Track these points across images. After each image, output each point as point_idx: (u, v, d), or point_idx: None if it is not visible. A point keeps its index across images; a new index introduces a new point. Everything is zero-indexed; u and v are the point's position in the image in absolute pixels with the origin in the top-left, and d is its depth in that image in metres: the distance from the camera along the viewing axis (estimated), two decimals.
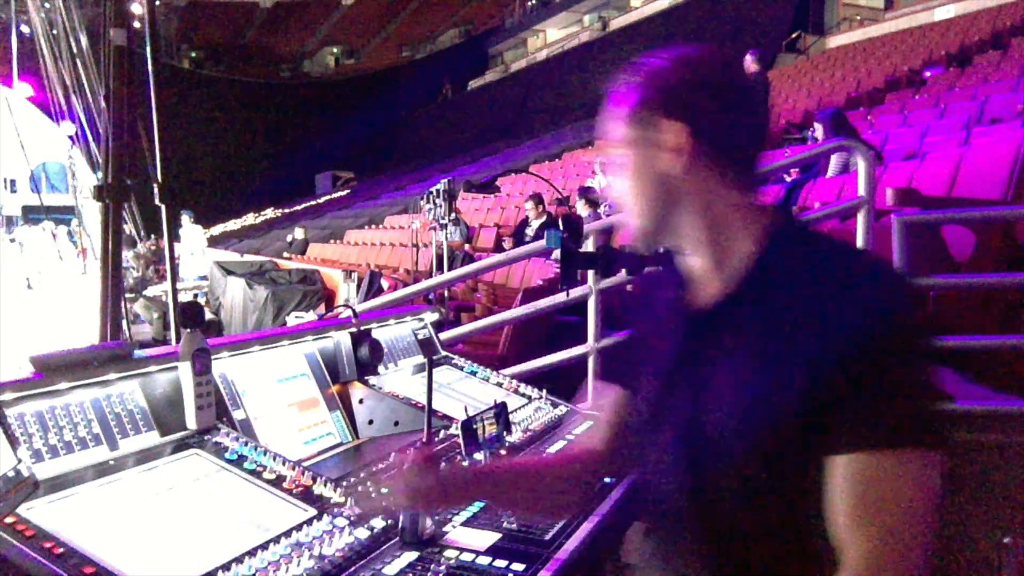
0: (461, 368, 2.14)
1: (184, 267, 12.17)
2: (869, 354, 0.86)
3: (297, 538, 1.14)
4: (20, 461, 0.98)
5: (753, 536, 0.94)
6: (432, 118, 37.16)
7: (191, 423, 1.36)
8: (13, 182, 23.79)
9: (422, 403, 1.44)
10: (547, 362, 2.97)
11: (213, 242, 19.10)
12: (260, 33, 41.32)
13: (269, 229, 24.01)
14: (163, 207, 3.13)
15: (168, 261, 3.52)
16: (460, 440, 1.45)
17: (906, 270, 2.65)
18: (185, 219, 13.38)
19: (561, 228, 1.58)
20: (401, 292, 3.28)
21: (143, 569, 1.01)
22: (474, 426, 1.45)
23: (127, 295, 4.23)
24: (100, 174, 3.29)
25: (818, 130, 5.93)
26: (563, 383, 2.42)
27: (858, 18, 20.36)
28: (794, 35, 19.86)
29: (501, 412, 1.54)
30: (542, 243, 1.92)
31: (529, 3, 35.13)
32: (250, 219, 29.19)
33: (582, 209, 7.32)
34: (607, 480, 1.49)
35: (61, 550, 0.98)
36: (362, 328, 1.87)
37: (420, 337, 2.15)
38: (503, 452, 1.61)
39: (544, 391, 2.06)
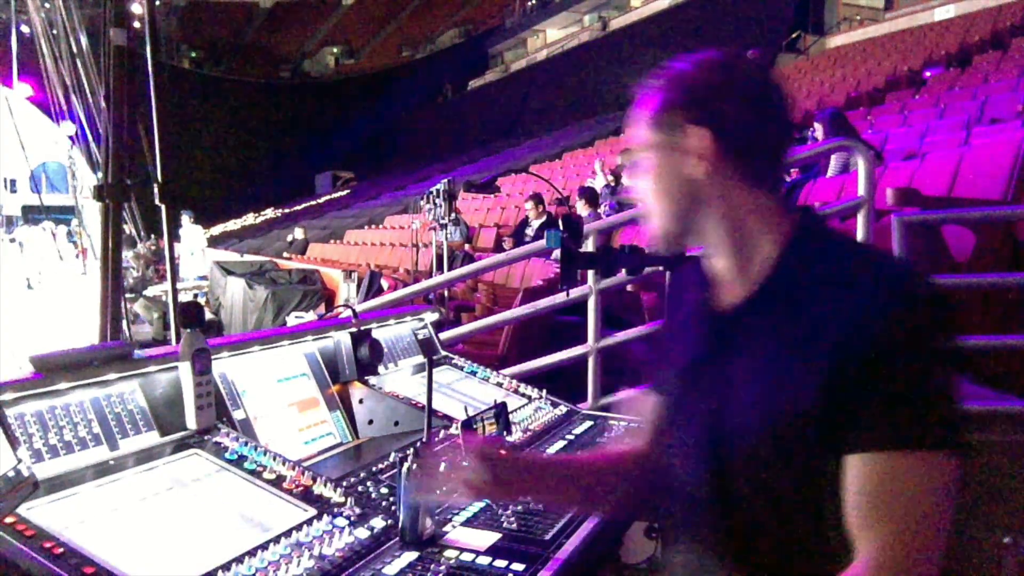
0: (461, 368, 2.14)
1: (184, 267, 12.16)
2: (887, 355, 0.86)
3: (297, 538, 1.14)
4: (20, 461, 0.98)
5: (773, 531, 0.96)
6: (432, 118, 37.15)
7: (191, 423, 1.36)
8: (13, 182, 23.78)
9: (422, 403, 1.44)
10: (547, 362, 2.97)
11: (213, 242, 19.10)
12: (260, 33, 41.31)
13: (269, 229, 24.00)
14: (163, 207, 3.13)
15: (168, 261, 3.52)
16: (460, 440, 1.45)
17: None
18: (185, 219, 13.38)
19: (561, 228, 1.58)
20: (401, 292, 3.28)
21: (143, 569, 1.01)
22: (474, 426, 1.45)
23: (127, 295, 4.24)
24: (100, 174, 3.28)
25: (818, 130, 5.92)
26: (563, 383, 2.42)
27: (858, 18, 20.36)
28: (794, 35, 19.85)
29: (501, 412, 1.54)
30: (542, 243, 1.92)
31: (529, 3, 35.11)
32: (250, 219, 29.18)
33: (582, 209, 7.32)
34: None
35: (61, 550, 0.98)
36: (362, 328, 1.86)
37: (420, 337, 2.15)
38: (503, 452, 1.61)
39: (544, 391, 2.05)
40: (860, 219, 2.96)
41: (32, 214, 21.63)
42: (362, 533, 1.21)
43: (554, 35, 34.31)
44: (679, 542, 1.08)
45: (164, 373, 1.38)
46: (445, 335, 2.80)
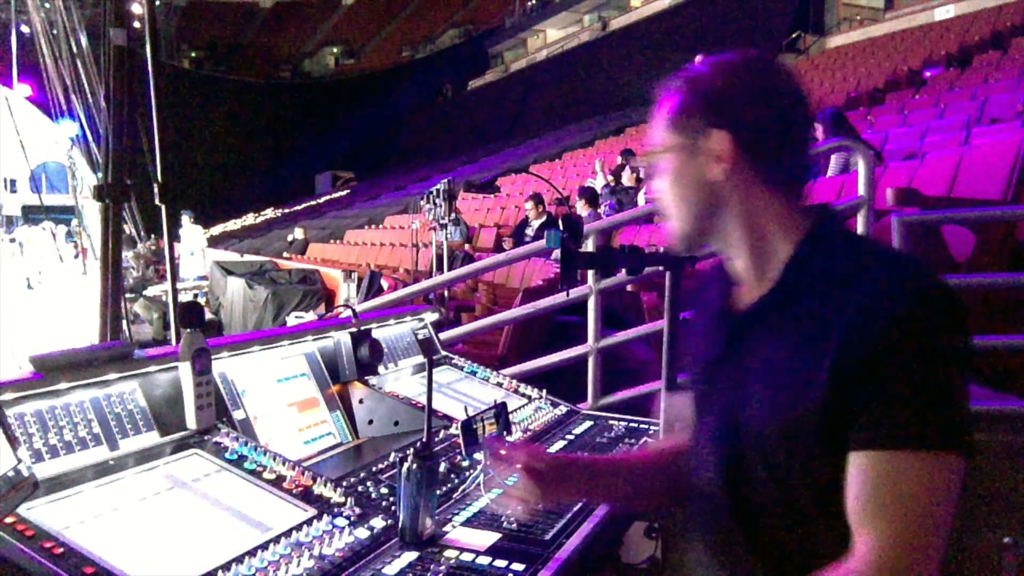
0: (461, 368, 2.14)
1: (184, 267, 12.16)
2: (889, 354, 0.87)
3: (297, 538, 1.14)
4: (20, 461, 0.98)
5: (784, 525, 0.97)
6: (432, 118, 37.16)
7: (191, 423, 1.36)
8: (13, 182, 23.78)
9: (422, 403, 1.44)
10: (547, 362, 2.97)
11: (213, 242, 19.10)
12: (260, 33, 41.32)
13: (269, 229, 24.00)
14: (163, 207, 3.13)
15: (168, 261, 3.51)
16: (460, 440, 1.45)
17: None
18: (185, 219, 13.38)
19: (561, 228, 1.58)
20: (401, 292, 3.28)
21: (143, 569, 1.01)
22: (474, 426, 1.45)
23: (127, 295, 4.24)
24: (100, 174, 3.28)
25: (818, 130, 5.92)
26: (563, 383, 2.42)
27: (858, 18, 20.35)
28: (794, 35, 19.85)
29: (501, 412, 1.54)
30: (542, 243, 1.92)
31: (529, 3, 35.11)
32: (250, 219, 29.19)
33: (582, 209, 7.32)
34: None
35: (61, 550, 0.98)
36: (362, 328, 1.86)
37: (420, 337, 2.15)
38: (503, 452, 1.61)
39: (544, 391, 2.05)
40: (860, 219, 2.96)
41: (32, 214, 21.62)
42: (362, 533, 1.21)
43: (554, 35, 34.30)
44: (693, 535, 1.11)
45: (164, 373, 1.38)
46: (445, 335, 2.80)
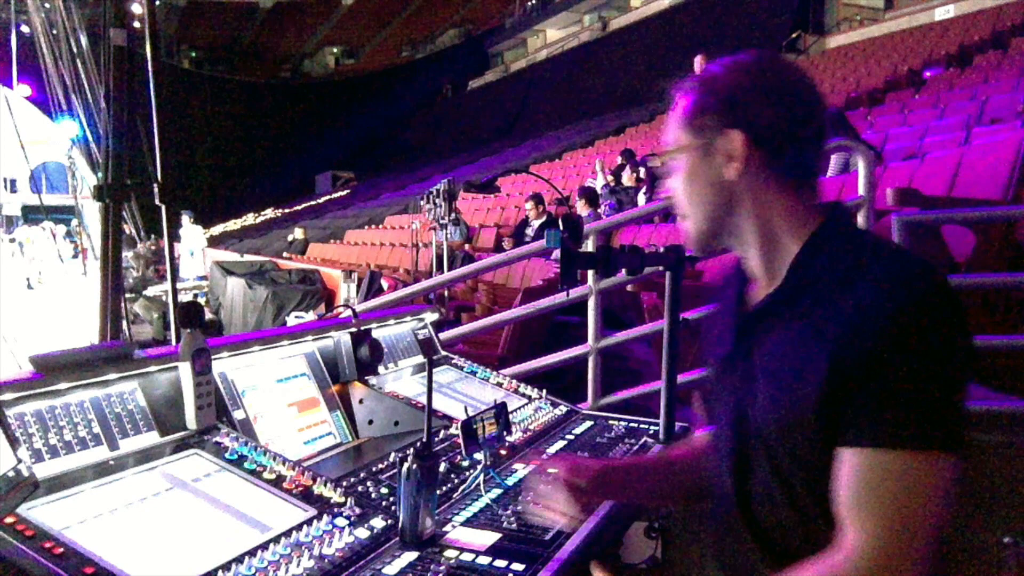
0: (461, 368, 2.14)
1: (184, 267, 12.17)
2: (881, 353, 0.88)
3: (297, 538, 1.14)
4: (20, 461, 0.98)
5: (786, 518, 0.99)
6: (432, 118, 37.17)
7: (191, 423, 1.36)
8: (13, 182, 23.77)
9: (422, 403, 1.44)
10: (547, 362, 2.97)
11: (213, 242, 19.11)
12: (260, 33, 41.33)
13: (269, 229, 24.01)
14: (163, 207, 3.13)
15: (168, 261, 3.51)
16: (460, 440, 1.45)
17: None
18: (185, 219, 13.38)
19: (561, 228, 1.58)
20: (401, 292, 3.28)
21: (143, 569, 1.01)
22: (474, 426, 1.45)
23: (127, 295, 4.23)
24: (100, 174, 3.28)
25: None
26: (563, 383, 2.42)
27: (858, 18, 20.35)
28: (794, 35, 19.84)
29: (501, 412, 1.54)
30: (542, 243, 1.92)
31: (529, 3, 35.11)
32: (250, 219, 29.19)
33: (582, 209, 7.32)
34: None
35: (61, 550, 0.98)
36: (362, 328, 1.86)
37: (420, 337, 2.15)
38: (503, 452, 1.61)
39: (544, 391, 2.05)
40: (860, 219, 2.96)
41: (32, 214, 21.62)
42: (362, 533, 1.21)
43: (554, 35, 34.29)
44: (707, 526, 1.14)
45: (164, 373, 1.37)
46: (445, 335, 2.80)
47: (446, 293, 5.88)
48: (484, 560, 1.15)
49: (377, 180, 29.24)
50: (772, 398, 0.98)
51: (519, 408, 1.91)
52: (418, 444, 1.22)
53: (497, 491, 1.42)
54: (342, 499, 1.27)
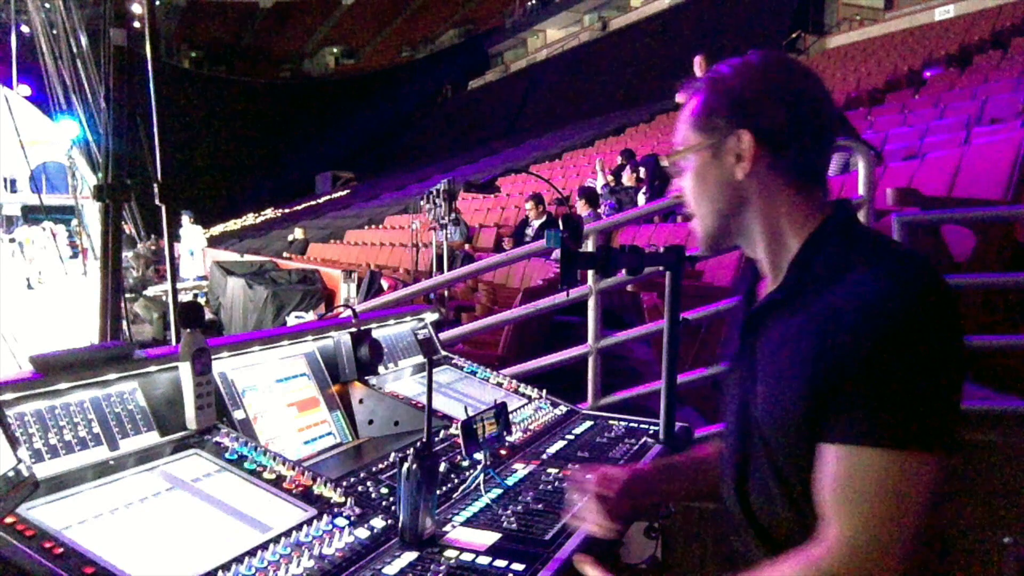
0: (461, 368, 2.14)
1: (184, 267, 12.17)
2: (861, 351, 0.89)
3: (297, 538, 1.14)
4: (20, 461, 0.98)
5: (784, 514, 1.01)
6: (432, 118, 37.18)
7: (191, 423, 1.36)
8: (13, 182, 23.79)
9: (422, 403, 1.44)
10: (547, 362, 2.97)
11: (213, 242, 19.11)
12: (260, 33, 41.34)
13: (269, 229, 24.01)
14: (163, 207, 3.13)
15: (168, 261, 3.51)
16: (460, 440, 1.45)
17: None
18: (185, 219, 13.39)
19: (561, 228, 1.58)
20: (401, 292, 3.28)
21: (143, 569, 1.01)
22: (474, 426, 1.45)
23: (127, 295, 4.24)
24: (100, 174, 3.28)
25: None
26: (563, 383, 2.42)
27: (858, 18, 20.36)
28: (794, 35, 19.85)
29: (501, 412, 1.54)
30: (542, 243, 1.92)
31: (529, 3, 35.12)
32: (250, 219, 29.19)
33: (582, 209, 7.32)
34: None
35: (61, 550, 0.98)
36: (362, 328, 1.86)
37: (420, 337, 2.15)
38: (503, 452, 1.61)
39: (544, 391, 2.05)
40: (860, 219, 2.96)
41: (32, 214, 21.62)
42: (362, 533, 1.21)
43: (554, 35, 34.31)
44: (719, 523, 1.16)
45: (164, 373, 1.37)
46: (445, 335, 2.80)
47: (446, 293, 5.88)
48: (484, 560, 1.15)
49: (377, 180, 29.25)
50: (768, 394, 1.00)
51: (519, 408, 1.91)
52: (418, 444, 1.22)
53: (497, 491, 1.42)
54: (342, 499, 1.27)
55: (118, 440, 1.25)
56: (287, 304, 8.56)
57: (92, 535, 1.04)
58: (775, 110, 1.02)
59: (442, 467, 1.47)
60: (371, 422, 1.80)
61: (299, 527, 1.16)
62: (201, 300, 10.45)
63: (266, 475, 1.29)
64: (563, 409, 2.00)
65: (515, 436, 1.72)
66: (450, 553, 1.17)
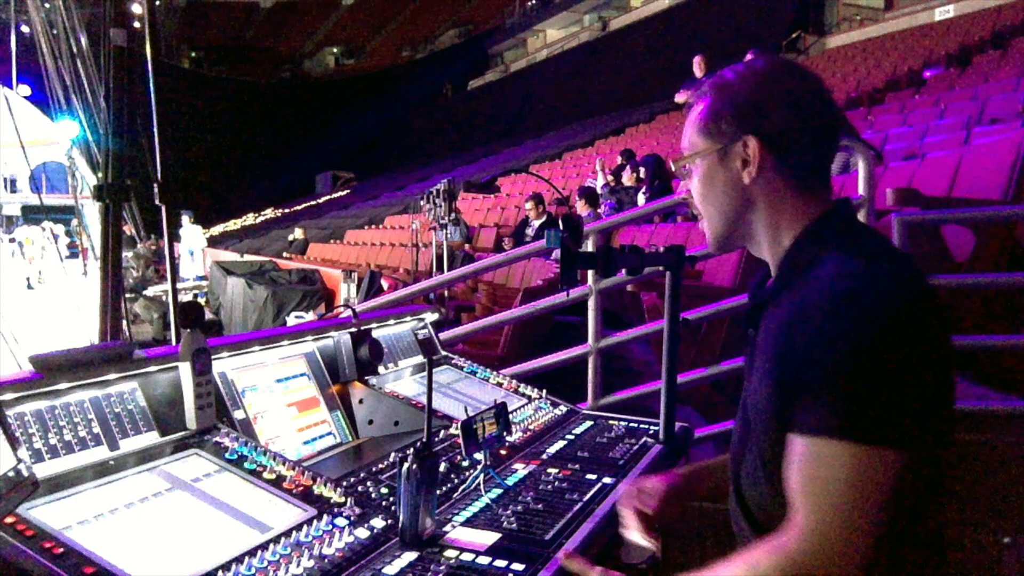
0: (461, 368, 2.14)
1: (184, 267, 12.18)
2: (831, 345, 0.90)
3: (297, 538, 1.14)
4: (20, 461, 0.98)
5: (768, 501, 1.03)
6: (432, 118, 37.17)
7: (191, 423, 1.36)
8: (13, 182, 23.80)
9: (422, 403, 1.44)
10: (547, 362, 2.97)
11: (213, 242, 19.12)
12: (260, 33, 41.35)
13: (269, 229, 24.00)
14: (163, 207, 3.13)
15: (168, 261, 3.52)
16: (460, 440, 1.45)
17: None
18: (185, 219, 13.40)
19: (561, 228, 1.58)
20: (401, 292, 3.28)
21: (143, 569, 1.01)
22: (474, 426, 1.45)
23: (127, 295, 4.24)
24: (100, 174, 3.28)
25: None
26: (563, 383, 2.42)
27: (858, 18, 20.37)
28: (794, 35, 19.85)
29: (501, 412, 1.54)
30: (542, 243, 1.92)
31: (529, 3, 35.12)
32: (250, 219, 29.19)
33: (582, 209, 7.32)
34: (607, 480, 1.50)
35: (61, 550, 0.98)
36: (362, 328, 1.86)
37: (420, 337, 2.15)
38: (503, 452, 1.61)
39: (544, 391, 2.05)
40: (860, 219, 2.96)
41: (32, 214, 21.62)
42: (362, 533, 1.21)
43: (554, 35, 34.31)
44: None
45: (164, 373, 1.37)
46: (445, 335, 2.80)
47: (446, 293, 5.88)
48: (484, 560, 1.15)
49: (377, 180, 29.23)
50: (755, 385, 1.04)
51: (519, 408, 1.91)
52: (418, 444, 1.22)
53: (497, 491, 1.43)
54: (342, 499, 1.27)
55: (118, 440, 1.25)
56: (287, 304, 8.56)
57: (92, 535, 1.04)
58: (780, 114, 1.04)
59: (442, 467, 1.47)
60: (371, 422, 1.80)
61: (299, 527, 1.16)
62: (201, 300, 10.45)
63: (266, 475, 1.29)
64: (563, 409, 2.00)
65: (515, 436, 1.72)
66: (450, 553, 1.17)
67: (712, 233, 1.15)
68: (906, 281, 0.94)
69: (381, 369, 1.89)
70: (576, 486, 1.47)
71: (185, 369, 1.37)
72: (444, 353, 2.20)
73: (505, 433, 1.55)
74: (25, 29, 19.97)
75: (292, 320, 8.01)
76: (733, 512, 1.13)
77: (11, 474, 0.95)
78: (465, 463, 1.52)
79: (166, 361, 1.38)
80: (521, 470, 1.55)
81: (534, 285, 5.30)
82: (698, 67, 7.43)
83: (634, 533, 1.25)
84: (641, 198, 7.97)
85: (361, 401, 1.81)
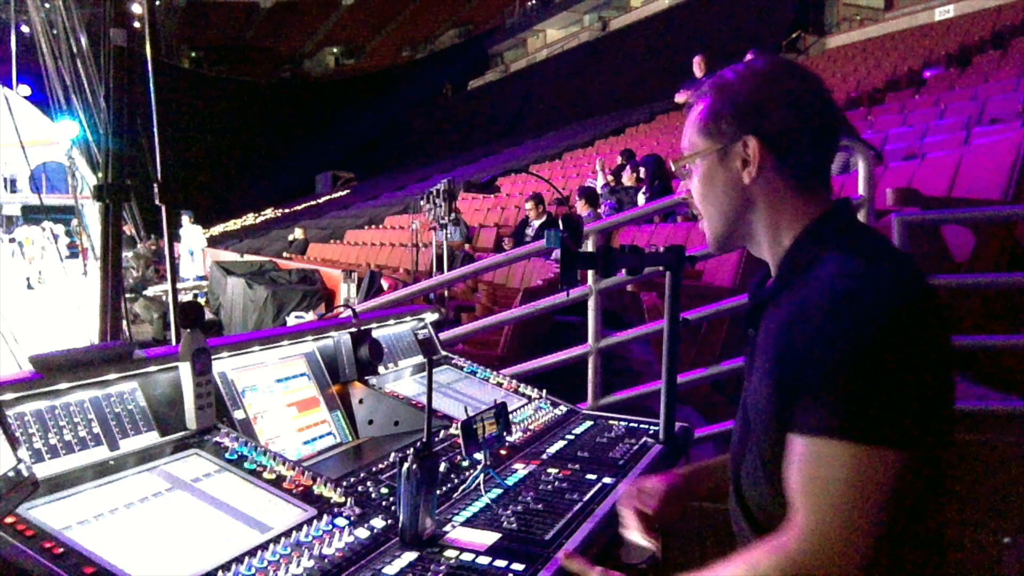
0: (461, 368, 2.14)
1: (184, 267, 12.18)
2: (831, 345, 0.90)
3: (297, 538, 1.14)
4: (20, 461, 0.98)
5: (768, 500, 1.03)
6: (432, 118, 37.16)
7: (191, 423, 1.36)
8: (13, 182, 23.80)
9: (422, 403, 1.44)
10: (547, 362, 2.97)
11: (213, 242, 19.12)
12: (260, 33, 41.35)
13: (269, 229, 24.00)
14: (163, 207, 3.13)
15: (168, 261, 3.52)
16: (460, 440, 1.45)
17: None
18: (185, 219, 13.40)
19: (561, 228, 1.58)
20: (401, 292, 3.28)
21: (143, 569, 1.01)
22: (474, 426, 1.45)
23: (127, 295, 4.24)
24: (100, 174, 3.28)
25: None
26: (563, 383, 2.42)
27: (858, 18, 20.37)
28: (794, 35, 19.85)
29: (501, 412, 1.54)
30: (542, 243, 1.92)
31: (529, 3, 35.12)
32: (250, 219, 29.19)
33: (582, 209, 7.32)
34: (607, 480, 1.50)
35: (61, 550, 0.98)
36: (362, 328, 1.86)
37: (420, 337, 2.15)
38: (503, 452, 1.61)
39: (544, 391, 2.05)
40: (860, 219, 2.96)
41: (32, 214, 21.62)
42: (362, 533, 1.21)
43: (554, 35, 34.31)
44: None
45: (164, 373, 1.37)
46: (445, 335, 2.80)
47: (446, 293, 5.88)
48: (484, 560, 1.15)
49: (377, 180, 29.23)
50: (756, 385, 1.04)
51: (519, 408, 1.91)
52: (418, 444, 1.22)
53: (497, 491, 1.43)
54: (342, 499, 1.27)
55: (118, 440, 1.25)
56: (287, 304, 8.56)
57: (92, 535, 1.04)
58: (780, 115, 1.04)
59: (442, 467, 1.47)
60: (371, 422, 1.80)
61: (299, 527, 1.16)
62: (201, 300, 10.45)
63: (266, 475, 1.29)
64: (563, 409, 2.00)
65: (515, 436, 1.72)
66: (450, 553, 1.17)
67: (712, 233, 1.15)
68: (906, 281, 0.94)
69: (381, 369, 1.89)
70: (576, 486, 1.47)
71: (185, 369, 1.37)
72: (444, 353, 2.20)
73: (505, 433, 1.55)
74: (25, 29, 19.97)
75: (292, 320, 8.01)
76: (733, 512, 1.13)
77: (11, 474, 0.95)
78: (465, 463, 1.52)
79: (166, 361, 1.38)
80: (521, 470, 1.55)
81: (534, 285, 5.30)
82: (698, 67, 7.43)
83: (634, 533, 1.25)
84: (641, 198, 7.97)
85: (361, 401, 1.81)
